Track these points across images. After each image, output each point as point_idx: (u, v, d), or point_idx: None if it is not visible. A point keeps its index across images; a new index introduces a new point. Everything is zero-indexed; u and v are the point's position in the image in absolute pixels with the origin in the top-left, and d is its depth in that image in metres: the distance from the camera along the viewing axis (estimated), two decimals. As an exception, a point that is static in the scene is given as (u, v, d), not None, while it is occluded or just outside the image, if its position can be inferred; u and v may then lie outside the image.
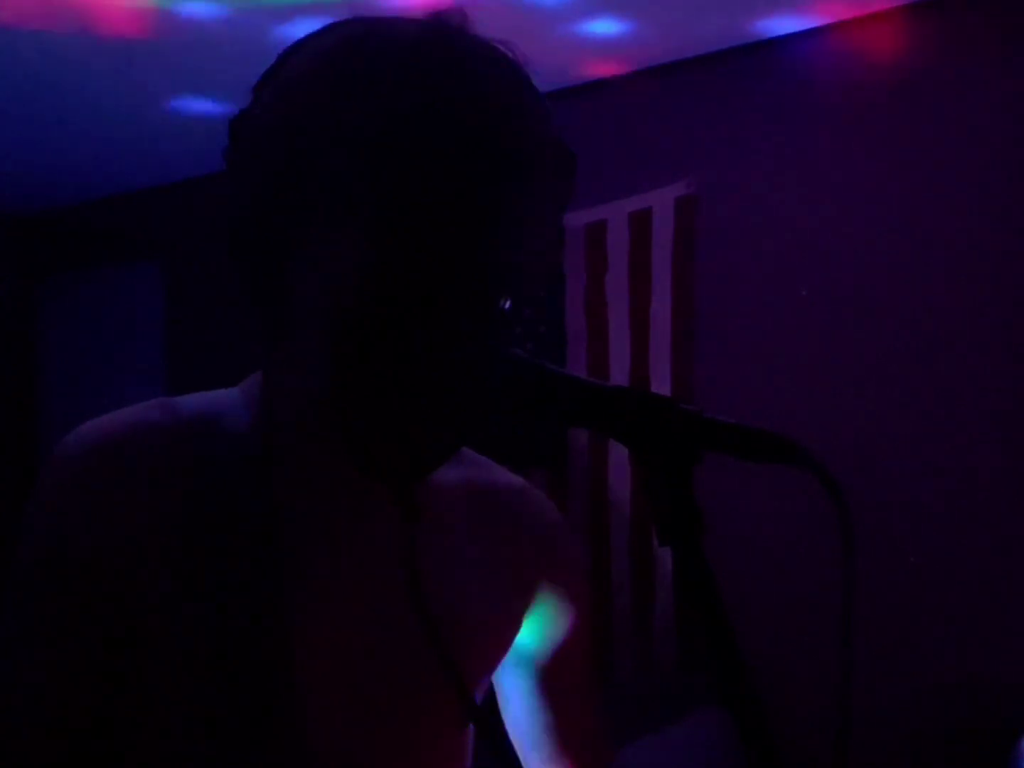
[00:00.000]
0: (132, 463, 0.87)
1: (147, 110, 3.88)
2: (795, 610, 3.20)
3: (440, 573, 0.94)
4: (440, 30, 0.86)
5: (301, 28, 0.93)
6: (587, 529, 3.63)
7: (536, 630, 1.05)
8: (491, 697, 1.09)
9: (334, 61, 0.84)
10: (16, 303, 5.45)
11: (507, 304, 0.85)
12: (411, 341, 0.83)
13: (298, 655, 0.87)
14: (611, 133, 3.61)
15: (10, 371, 5.39)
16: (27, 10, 3.10)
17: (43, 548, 0.87)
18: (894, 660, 3.03)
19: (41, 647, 0.86)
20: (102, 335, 5.20)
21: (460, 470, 0.98)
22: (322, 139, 0.83)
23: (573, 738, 1.09)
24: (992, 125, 3.02)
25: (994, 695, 2.95)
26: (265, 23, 3.13)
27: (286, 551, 0.89)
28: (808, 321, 3.29)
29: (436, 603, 0.88)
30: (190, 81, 3.65)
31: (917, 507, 3.08)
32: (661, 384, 3.47)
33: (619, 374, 3.55)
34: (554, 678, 1.08)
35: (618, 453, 3.54)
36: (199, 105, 3.79)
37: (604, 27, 3.25)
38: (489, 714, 1.06)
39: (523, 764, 1.08)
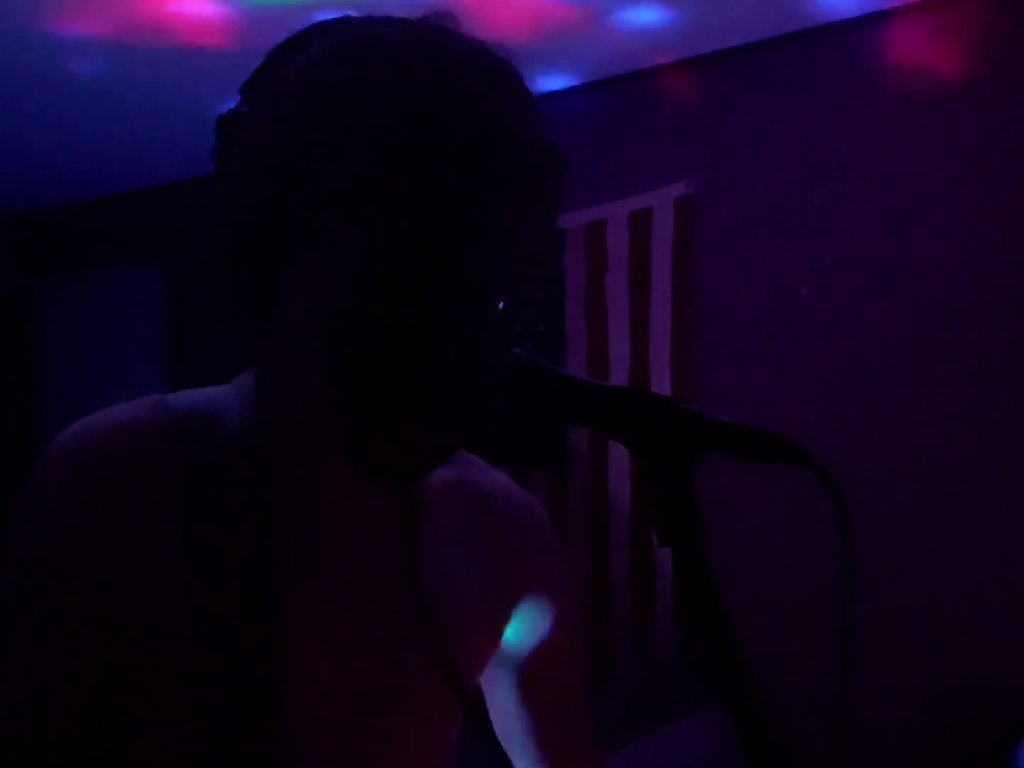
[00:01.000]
0: (125, 459, 0.87)
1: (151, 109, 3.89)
2: (795, 610, 3.20)
3: (432, 571, 0.94)
4: (432, 33, 0.85)
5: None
6: (587, 529, 3.63)
7: (521, 631, 1.05)
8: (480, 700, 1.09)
9: (327, 65, 0.84)
10: (16, 303, 5.45)
11: (505, 304, 0.85)
12: (411, 342, 0.83)
13: (291, 652, 0.87)
14: (611, 132, 3.61)
15: (10, 371, 5.40)
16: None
17: (37, 544, 0.87)
18: (894, 660, 3.03)
19: (35, 645, 0.86)
20: (102, 335, 5.20)
21: (450, 468, 0.98)
22: (316, 143, 0.83)
23: (560, 741, 1.09)
24: (993, 135, 3.02)
25: (994, 695, 2.95)
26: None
27: (280, 547, 0.89)
28: (808, 321, 3.29)
29: (431, 600, 0.88)
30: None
31: (917, 507, 3.08)
32: (661, 384, 3.47)
33: (619, 374, 3.55)
34: (540, 680, 1.08)
35: (618, 453, 3.54)
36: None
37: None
38: (485, 713, 1.06)
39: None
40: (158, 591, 0.86)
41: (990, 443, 2.99)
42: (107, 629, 0.86)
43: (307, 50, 0.87)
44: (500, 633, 1.03)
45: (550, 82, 3.53)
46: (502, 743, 1.09)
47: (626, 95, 3.63)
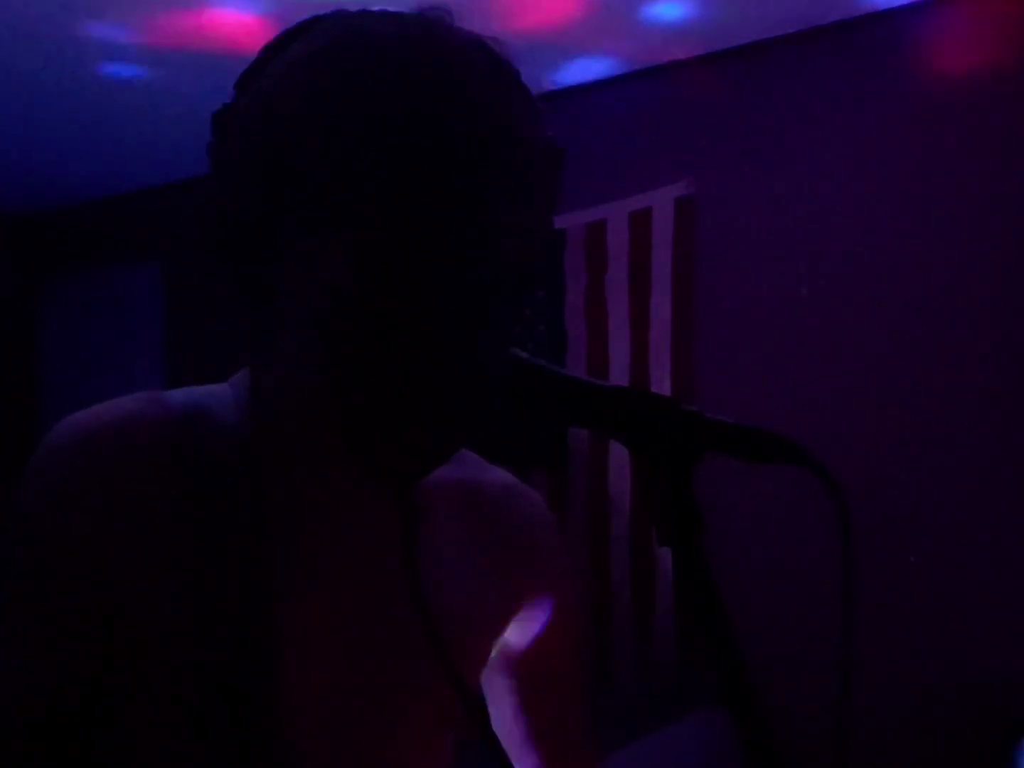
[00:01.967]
0: (119, 452, 0.86)
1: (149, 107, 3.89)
2: (795, 610, 3.20)
3: (432, 571, 0.94)
4: (427, 28, 0.85)
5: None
6: (587, 529, 3.63)
7: (521, 630, 1.05)
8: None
9: (320, 62, 0.83)
10: (16, 303, 5.45)
11: (504, 304, 0.85)
12: (411, 341, 0.83)
13: (287, 652, 0.87)
14: (611, 133, 3.61)
15: (10, 371, 5.40)
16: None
17: (30, 539, 0.86)
18: (894, 660, 3.03)
19: (28, 642, 0.85)
20: (102, 335, 5.20)
21: (451, 468, 0.98)
22: (309, 141, 0.82)
23: (558, 741, 1.09)
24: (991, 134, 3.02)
25: (994, 694, 2.95)
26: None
27: (275, 545, 0.88)
28: (808, 321, 3.29)
29: (430, 601, 0.88)
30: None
31: (917, 507, 3.08)
32: (661, 384, 3.46)
33: (619, 374, 3.55)
34: (540, 679, 1.08)
35: (618, 453, 3.54)
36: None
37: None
38: (485, 713, 1.06)
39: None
40: (151, 587, 0.85)
41: (990, 443, 2.99)
42: (98, 624, 0.85)
43: (299, 44, 0.86)
44: (500, 633, 1.03)
45: (550, 82, 3.53)
46: (502, 743, 1.09)
47: (626, 95, 3.63)
